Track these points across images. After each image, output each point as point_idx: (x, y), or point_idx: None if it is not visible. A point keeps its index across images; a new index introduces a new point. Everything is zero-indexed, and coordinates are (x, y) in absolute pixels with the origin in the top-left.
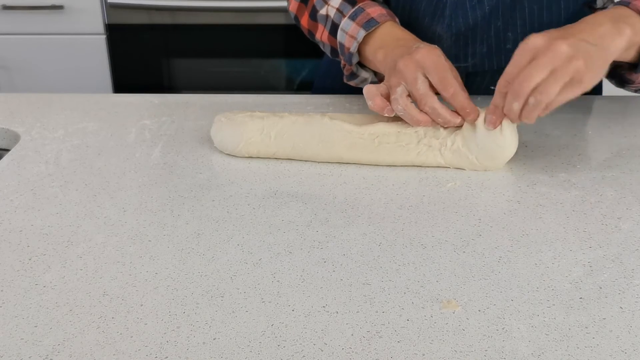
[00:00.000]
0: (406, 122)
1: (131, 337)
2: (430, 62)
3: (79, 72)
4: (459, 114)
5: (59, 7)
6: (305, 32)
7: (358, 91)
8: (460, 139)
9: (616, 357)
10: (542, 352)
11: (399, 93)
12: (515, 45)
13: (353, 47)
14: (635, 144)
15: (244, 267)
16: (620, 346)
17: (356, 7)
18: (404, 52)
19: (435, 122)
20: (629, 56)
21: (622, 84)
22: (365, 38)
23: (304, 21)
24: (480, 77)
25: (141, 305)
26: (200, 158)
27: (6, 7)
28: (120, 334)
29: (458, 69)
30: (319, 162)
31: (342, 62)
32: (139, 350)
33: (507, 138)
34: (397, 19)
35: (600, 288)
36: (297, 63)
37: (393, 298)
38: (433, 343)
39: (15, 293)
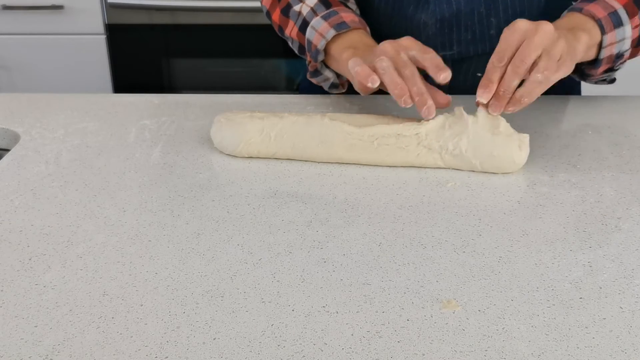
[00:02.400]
0: (406, 124)
1: (131, 337)
2: (411, 42)
3: (79, 72)
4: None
5: (59, 7)
6: (276, 28)
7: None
8: (465, 144)
9: (616, 357)
10: (542, 352)
11: (385, 58)
12: (498, 31)
13: (320, 45)
14: (635, 144)
15: (244, 267)
16: (620, 346)
17: (330, 9)
18: (370, 52)
19: (406, 98)
20: (589, 57)
21: (583, 78)
22: (334, 38)
23: (276, 16)
24: (467, 64)
25: (141, 305)
26: (200, 158)
27: (6, 7)
28: (120, 334)
29: (444, 57)
30: (319, 162)
31: (308, 58)
32: (139, 350)
33: (523, 153)
34: (368, 30)
35: (600, 288)
36: (297, 63)
37: (393, 298)
38: (433, 343)
39: (15, 293)
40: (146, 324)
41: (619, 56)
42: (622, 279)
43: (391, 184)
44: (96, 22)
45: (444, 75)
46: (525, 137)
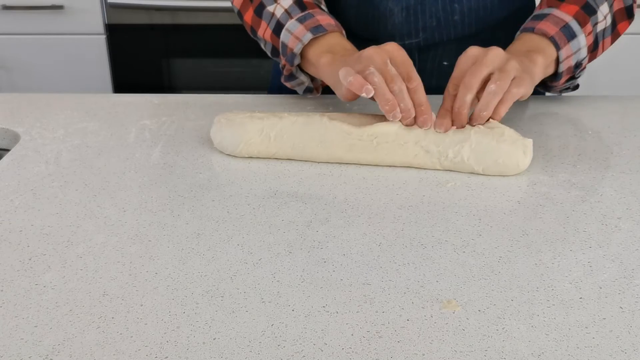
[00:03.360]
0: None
1: (131, 337)
2: (398, 54)
3: (79, 72)
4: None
5: (59, 7)
6: (248, 29)
7: None
8: (467, 152)
9: (616, 357)
10: (542, 352)
11: (375, 72)
12: (462, 17)
13: (297, 49)
14: (635, 144)
15: (244, 267)
16: (620, 346)
17: (306, 12)
18: (355, 59)
19: (395, 113)
20: (549, 72)
21: (547, 89)
22: (311, 42)
23: (248, 17)
24: (433, 52)
25: (141, 305)
26: (200, 158)
27: (6, 7)
28: (120, 334)
29: (410, 44)
30: (318, 162)
31: (282, 62)
32: (139, 350)
33: (527, 158)
34: (344, 32)
35: (600, 288)
36: None
37: (393, 298)
38: (433, 343)
39: (15, 293)
40: (146, 324)
41: (577, 66)
42: (622, 279)
43: (391, 184)
44: (96, 22)
45: (424, 119)
46: (529, 142)
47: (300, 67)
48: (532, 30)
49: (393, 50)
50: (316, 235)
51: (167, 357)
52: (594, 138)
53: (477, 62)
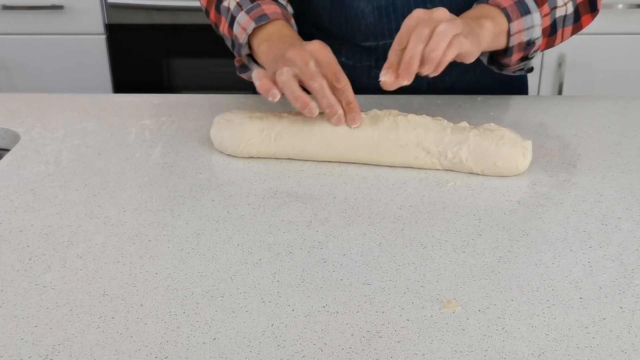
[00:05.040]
0: (405, 120)
1: (131, 337)
2: (323, 55)
3: (79, 72)
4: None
5: (59, 7)
6: (213, 26)
7: (356, 90)
8: (465, 153)
9: (616, 357)
10: (542, 352)
11: (286, 70)
12: None
13: (242, 39)
14: (635, 144)
15: (244, 267)
16: (620, 346)
17: (255, 3)
18: (289, 46)
19: (310, 108)
20: (499, 44)
21: (500, 68)
22: (255, 31)
23: (212, 14)
24: None
25: (141, 305)
26: (200, 158)
27: (6, 7)
28: (120, 334)
29: (385, 45)
30: (319, 162)
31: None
32: (139, 350)
33: (526, 160)
34: (292, 21)
35: (600, 288)
36: None
37: (393, 298)
38: (433, 343)
39: (15, 293)
40: (146, 324)
41: (530, 43)
42: (622, 279)
43: (391, 184)
44: (96, 22)
45: (354, 116)
46: (529, 144)
47: (253, 59)
48: (486, 1)
49: (317, 50)
50: (316, 235)
51: (167, 357)
52: (594, 138)
53: (427, 18)
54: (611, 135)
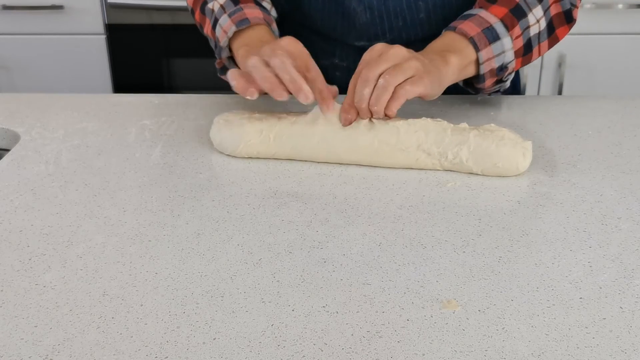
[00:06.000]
0: (405, 124)
1: (131, 337)
2: (294, 48)
3: (79, 72)
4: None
5: (59, 7)
6: (198, 27)
7: None
8: (465, 154)
9: (616, 357)
10: (542, 352)
11: (255, 57)
12: (427, 14)
13: (223, 42)
14: (635, 144)
15: (244, 267)
16: (620, 346)
17: (237, 6)
18: (264, 45)
19: (278, 90)
20: (468, 74)
21: (476, 91)
22: (236, 35)
23: (197, 15)
24: None
25: (141, 305)
26: (200, 158)
27: (6, 7)
28: (120, 334)
29: None
30: (318, 162)
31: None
32: (139, 350)
33: (526, 160)
34: (274, 25)
35: (600, 288)
36: None
37: (393, 298)
38: (433, 343)
39: (15, 293)
40: (146, 324)
41: (502, 69)
42: (622, 279)
43: (391, 184)
44: (96, 22)
45: (326, 104)
46: (529, 145)
47: (233, 60)
48: (454, 29)
49: (288, 44)
50: (316, 235)
51: (167, 357)
52: (594, 138)
53: (379, 57)
54: (611, 135)
